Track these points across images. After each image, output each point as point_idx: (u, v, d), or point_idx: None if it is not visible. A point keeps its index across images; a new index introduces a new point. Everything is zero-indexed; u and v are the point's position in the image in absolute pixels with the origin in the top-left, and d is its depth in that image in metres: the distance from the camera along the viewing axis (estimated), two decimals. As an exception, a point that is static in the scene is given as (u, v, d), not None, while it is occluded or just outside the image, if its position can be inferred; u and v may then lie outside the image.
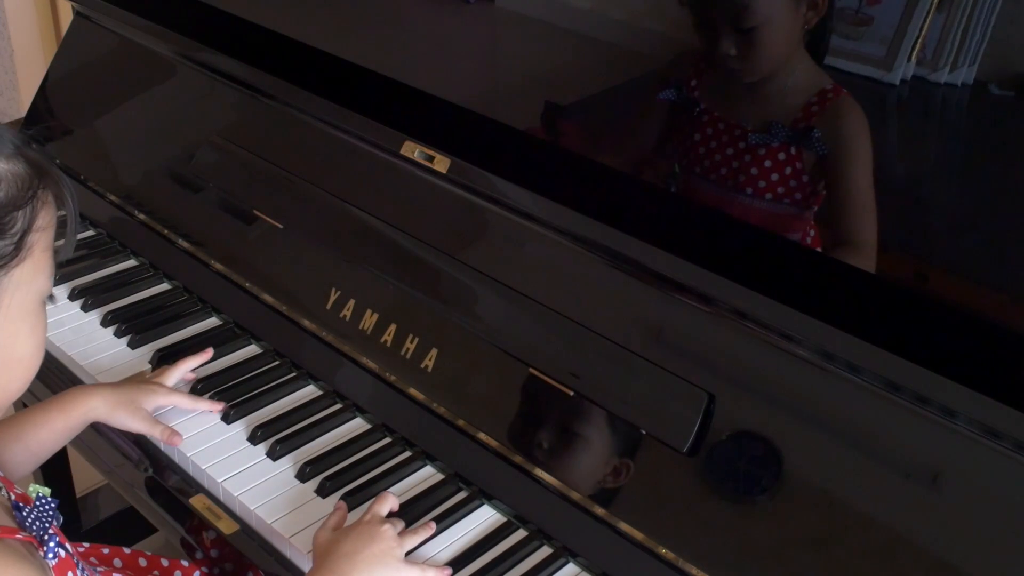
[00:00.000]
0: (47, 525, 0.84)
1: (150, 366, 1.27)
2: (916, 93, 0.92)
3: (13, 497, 0.86)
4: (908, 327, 0.93)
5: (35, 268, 0.81)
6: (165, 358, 1.26)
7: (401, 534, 0.99)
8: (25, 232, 0.79)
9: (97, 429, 1.22)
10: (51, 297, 0.85)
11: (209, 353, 1.24)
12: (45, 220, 0.81)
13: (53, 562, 0.83)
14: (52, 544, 0.83)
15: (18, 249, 0.78)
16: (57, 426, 1.09)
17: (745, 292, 0.98)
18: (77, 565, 0.86)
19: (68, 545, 0.86)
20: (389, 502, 1.03)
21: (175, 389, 1.18)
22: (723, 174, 1.04)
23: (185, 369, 1.21)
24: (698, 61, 1.06)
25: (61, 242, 0.87)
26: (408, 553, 0.99)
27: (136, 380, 1.19)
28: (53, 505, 0.87)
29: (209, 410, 1.17)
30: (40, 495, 0.87)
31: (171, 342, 1.30)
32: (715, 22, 1.02)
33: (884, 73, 0.92)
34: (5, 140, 0.79)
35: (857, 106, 0.96)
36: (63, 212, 0.85)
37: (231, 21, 1.49)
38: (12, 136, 0.79)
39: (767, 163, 1.01)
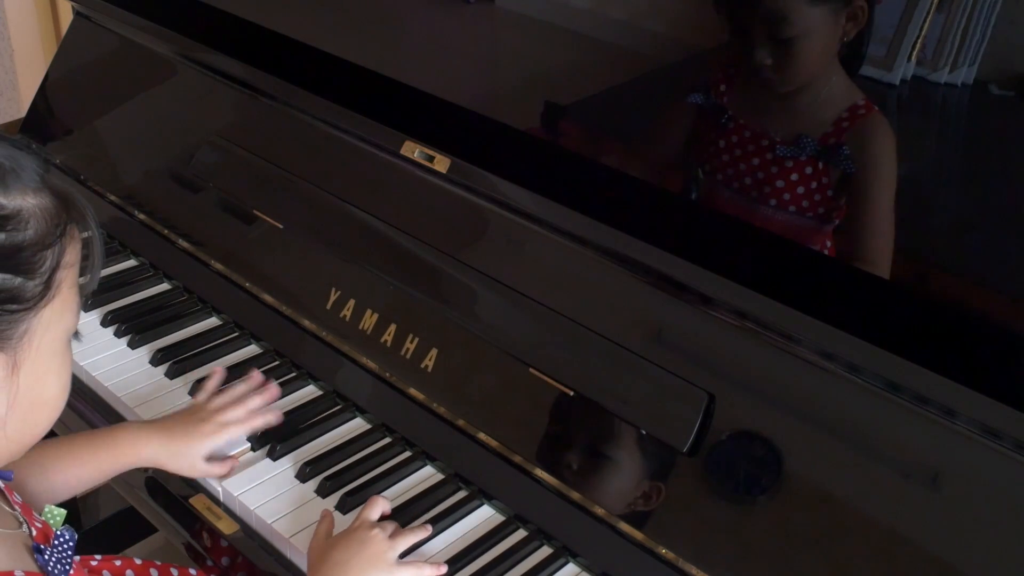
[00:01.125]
0: (68, 568, 0.82)
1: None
2: (916, 93, 0.92)
3: (34, 533, 0.83)
4: (908, 327, 0.93)
5: (63, 306, 0.77)
6: (165, 358, 1.26)
7: (393, 535, 0.98)
8: (54, 270, 0.75)
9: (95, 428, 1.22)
10: (76, 334, 0.81)
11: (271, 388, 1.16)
12: (72, 256, 0.77)
13: None
14: None
15: (47, 288, 0.75)
16: (104, 467, 1.05)
17: (745, 292, 0.98)
18: None
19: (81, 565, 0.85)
20: (379, 506, 1.01)
21: (228, 422, 1.09)
22: (747, 183, 1.03)
23: (236, 395, 1.14)
24: (728, 67, 1.05)
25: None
26: (404, 555, 0.98)
27: (185, 419, 1.10)
28: (72, 544, 0.84)
29: (264, 426, 1.12)
30: (59, 532, 0.84)
31: (171, 342, 1.30)
32: (752, 30, 1.00)
33: (884, 73, 0.92)
34: (29, 171, 0.74)
35: (887, 124, 0.94)
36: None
37: (231, 21, 1.49)
38: (35, 165, 0.75)
39: (793, 176, 0.99)
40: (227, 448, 1.11)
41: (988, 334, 0.90)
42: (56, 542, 0.83)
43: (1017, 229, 0.89)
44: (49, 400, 0.80)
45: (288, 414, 1.18)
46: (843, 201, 0.99)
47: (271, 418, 1.12)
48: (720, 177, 1.05)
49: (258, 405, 1.13)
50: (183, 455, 1.07)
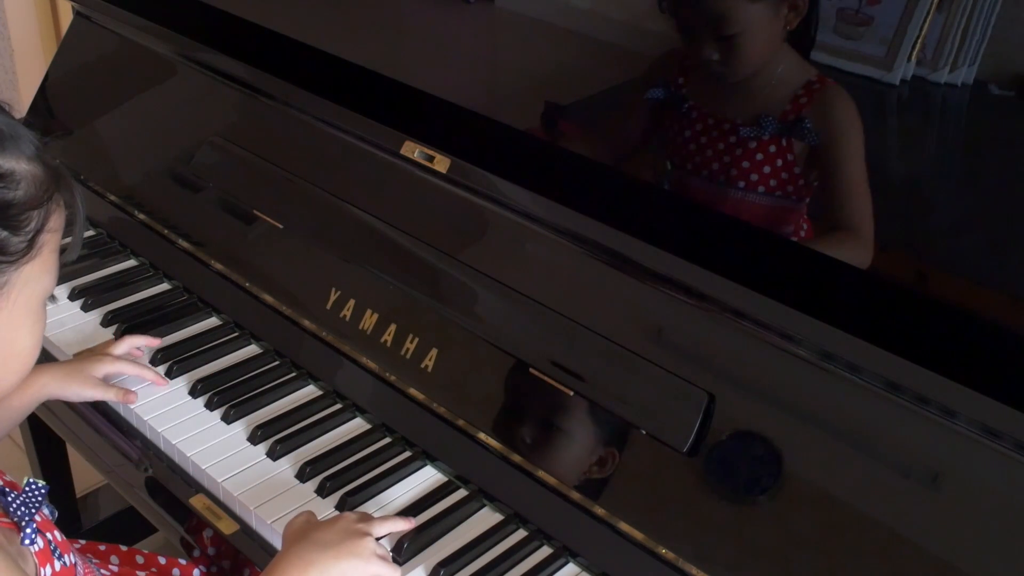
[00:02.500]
0: (33, 511, 0.86)
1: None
2: (916, 93, 0.92)
3: (1, 483, 0.87)
4: (908, 327, 0.93)
5: (43, 267, 0.83)
6: (166, 358, 1.26)
7: (371, 524, 0.98)
8: (38, 231, 0.81)
9: (97, 429, 1.22)
10: (52, 297, 0.87)
11: (158, 341, 1.27)
12: (56, 223, 0.84)
13: (34, 548, 0.85)
14: (29, 531, 0.84)
15: (30, 247, 0.81)
16: (13, 404, 1.12)
17: (745, 292, 0.98)
18: (54, 553, 0.86)
19: (57, 532, 0.86)
20: (371, 515, 1.02)
21: (121, 357, 1.21)
22: (715, 169, 1.05)
23: (133, 343, 1.24)
24: (684, 60, 1.06)
25: (68, 240, 0.89)
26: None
27: (84, 353, 1.22)
28: (42, 492, 0.88)
29: (153, 382, 1.21)
30: (30, 481, 0.88)
31: (171, 342, 1.29)
32: (696, 29, 1.03)
33: (884, 73, 0.92)
34: (26, 141, 0.81)
35: (845, 94, 0.96)
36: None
37: (231, 21, 1.49)
38: (32, 138, 0.82)
39: (758, 156, 1.02)
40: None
41: (988, 334, 0.90)
42: (26, 489, 0.87)
43: (1017, 229, 0.89)
44: (20, 353, 0.86)
45: (288, 414, 1.18)
46: (813, 176, 1.01)
47: (146, 339, 1.24)
48: (689, 167, 1.07)
49: (141, 343, 1.24)
50: (80, 374, 1.16)
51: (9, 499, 0.86)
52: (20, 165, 0.80)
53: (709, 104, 1.05)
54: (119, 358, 1.21)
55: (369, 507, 1.07)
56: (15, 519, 0.85)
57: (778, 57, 0.99)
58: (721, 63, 1.02)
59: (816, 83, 0.98)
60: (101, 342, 1.26)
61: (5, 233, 0.79)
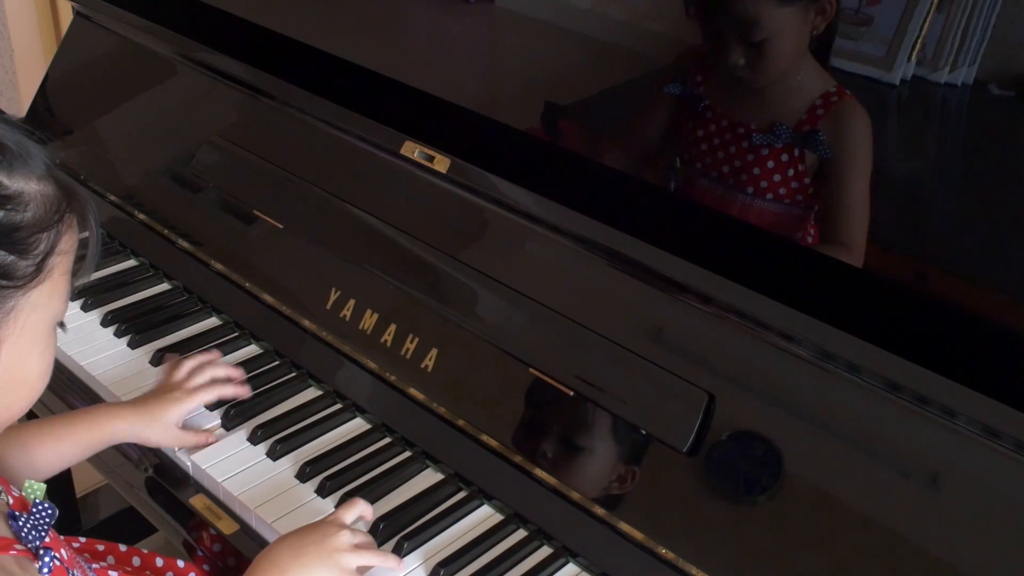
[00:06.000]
0: (43, 534, 0.83)
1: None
2: (916, 93, 0.92)
3: (11, 501, 0.86)
4: (908, 327, 0.93)
5: (53, 291, 0.80)
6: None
7: (359, 546, 0.95)
8: (47, 254, 0.78)
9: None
10: (61, 324, 0.84)
11: (218, 353, 1.23)
12: (68, 244, 0.80)
13: (48, 575, 0.82)
14: (48, 559, 0.82)
15: (38, 271, 0.77)
16: (82, 442, 1.08)
17: (745, 292, 0.98)
18: (69, 573, 0.85)
19: (63, 550, 0.85)
20: (358, 509, 1.00)
21: (195, 389, 1.15)
22: (725, 172, 1.04)
23: (212, 374, 1.18)
24: (704, 62, 1.06)
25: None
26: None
27: (156, 392, 1.15)
28: (50, 512, 0.85)
29: (234, 397, 1.17)
30: (37, 501, 0.86)
31: (171, 342, 1.30)
32: (725, 34, 1.02)
33: (884, 73, 0.92)
34: (37, 159, 0.77)
35: (861, 109, 0.95)
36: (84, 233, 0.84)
37: (231, 21, 1.49)
38: (43, 155, 0.79)
39: (770, 163, 1.01)
40: (201, 422, 1.16)
41: (988, 334, 0.90)
42: (34, 510, 0.85)
43: (1017, 229, 0.89)
44: (29, 379, 0.82)
45: (288, 414, 1.18)
46: (823, 186, 1.01)
47: (240, 391, 1.18)
48: (699, 168, 1.06)
49: (221, 374, 1.18)
50: (156, 422, 1.11)
51: (20, 523, 0.83)
52: (29, 185, 0.76)
53: (726, 106, 1.04)
54: (194, 391, 1.14)
55: (369, 507, 1.07)
56: (29, 546, 0.82)
57: (800, 64, 0.99)
58: (746, 68, 1.01)
59: (834, 94, 0.97)
60: (167, 371, 1.19)
61: (12, 257, 0.75)
